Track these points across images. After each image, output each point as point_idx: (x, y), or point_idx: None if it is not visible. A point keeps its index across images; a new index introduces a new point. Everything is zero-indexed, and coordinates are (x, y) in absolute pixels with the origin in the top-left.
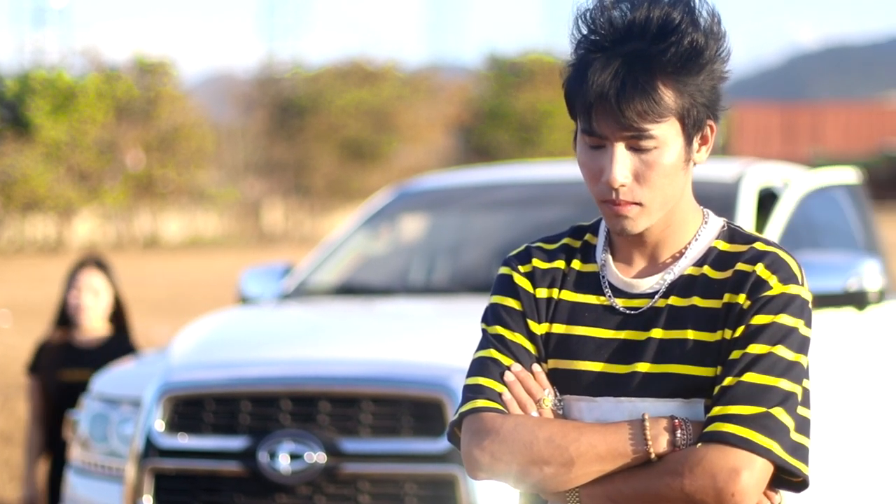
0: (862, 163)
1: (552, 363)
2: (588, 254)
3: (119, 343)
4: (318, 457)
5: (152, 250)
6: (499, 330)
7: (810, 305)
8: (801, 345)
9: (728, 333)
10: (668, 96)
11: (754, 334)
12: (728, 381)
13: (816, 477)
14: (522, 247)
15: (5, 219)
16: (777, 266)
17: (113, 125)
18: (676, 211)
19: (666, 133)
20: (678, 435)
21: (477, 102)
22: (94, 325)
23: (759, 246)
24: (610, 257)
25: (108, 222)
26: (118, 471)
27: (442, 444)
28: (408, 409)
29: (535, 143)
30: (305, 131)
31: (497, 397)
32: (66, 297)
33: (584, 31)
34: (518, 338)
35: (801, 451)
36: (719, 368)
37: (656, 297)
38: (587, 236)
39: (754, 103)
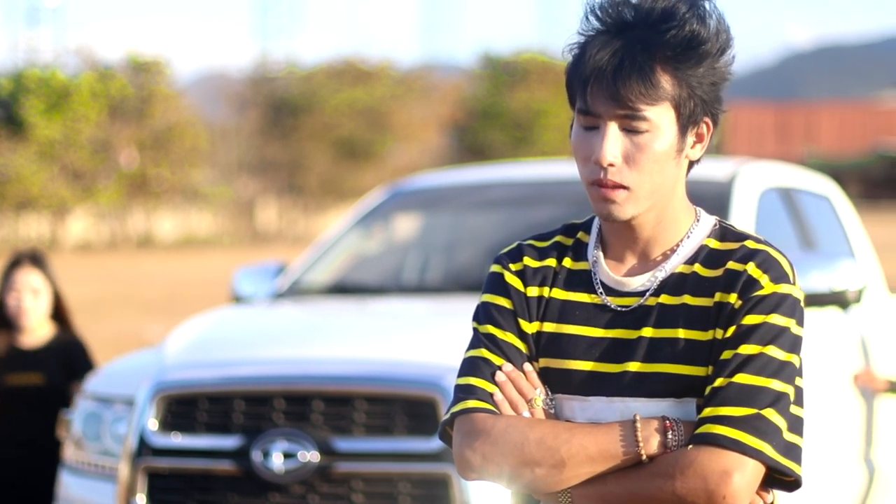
0: (856, 162)
1: (543, 362)
2: (580, 252)
3: (65, 342)
4: (311, 456)
5: (146, 249)
6: (490, 329)
7: (802, 304)
8: (793, 344)
9: (719, 333)
10: (665, 80)
11: (745, 334)
12: (719, 381)
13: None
14: (514, 244)
15: None
16: (768, 265)
17: (107, 124)
18: (668, 207)
19: (659, 118)
20: (669, 436)
21: (471, 102)
22: (37, 325)
23: (749, 244)
24: (601, 255)
25: (101, 221)
26: (111, 470)
27: (435, 444)
28: (401, 408)
29: (529, 142)
30: (299, 130)
31: (488, 397)
32: (5, 299)
33: (592, 23)
34: (509, 337)
35: (793, 451)
36: (711, 368)
37: (647, 295)
38: (579, 234)
39: (748, 103)
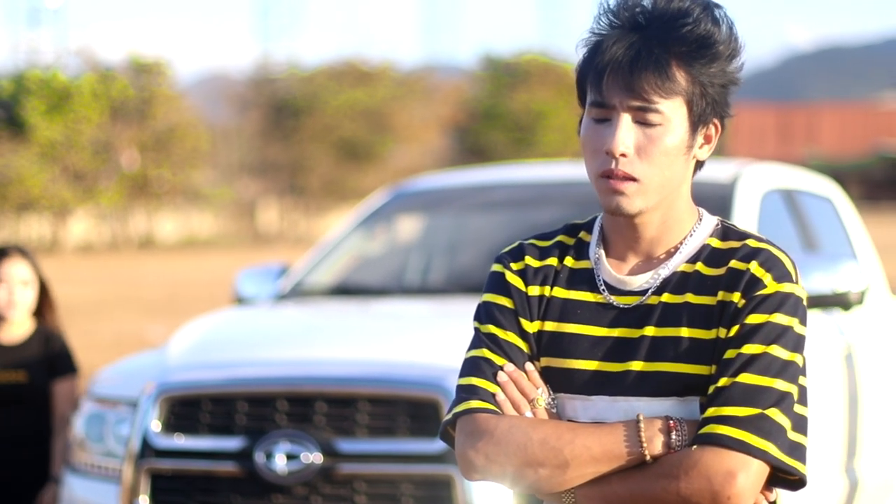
0: (857, 163)
1: (545, 361)
2: (581, 251)
3: (48, 338)
4: (314, 457)
5: (147, 250)
6: (491, 329)
7: (805, 302)
8: (797, 343)
9: (723, 332)
10: (680, 76)
11: (749, 334)
12: (723, 381)
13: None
14: (515, 243)
15: (0, 219)
16: (771, 264)
17: (108, 125)
18: (673, 208)
19: (672, 112)
20: (673, 437)
21: (472, 103)
22: (22, 319)
23: (751, 243)
24: (603, 254)
25: (103, 222)
26: (114, 471)
27: (438, 445)
28: (404, 410)
29: (531, 143)
30: (300, 132)
31: (490, 398)
32: None
33: (605, 22)
34: (511, 336)
35: (798, 451)
36: (714, 367)
37: (648, 293)
38: (581, 234)
39: (749, 104)
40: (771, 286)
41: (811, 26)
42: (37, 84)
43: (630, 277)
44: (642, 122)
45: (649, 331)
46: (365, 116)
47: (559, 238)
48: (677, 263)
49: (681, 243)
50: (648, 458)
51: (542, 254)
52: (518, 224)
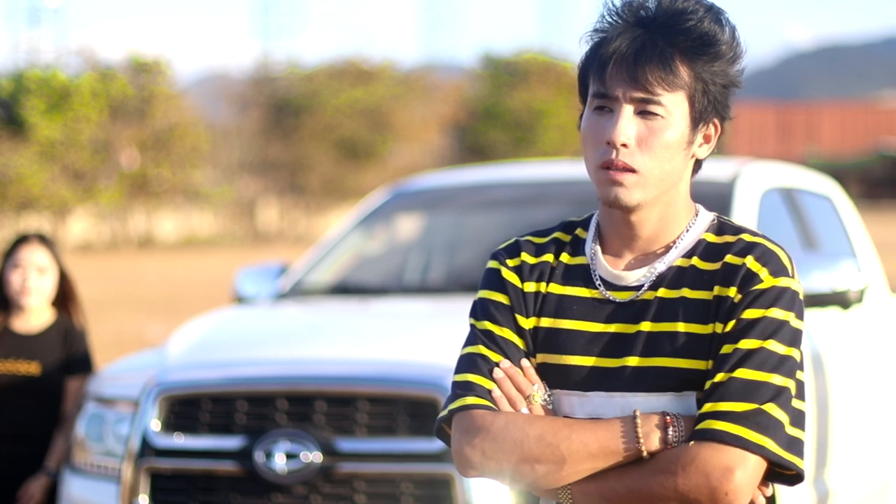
0: (857, 162)
1: (541, 357)
2: (577, 247)
3: (66, 331)
4: (314, 456)
5: (147, 249)
6: (487, 325)
7: (801, 297)
8: (793, 338)
9: (719, 327)
10: (683, 70)
11: (745, 329)
12: (720, 377)
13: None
14: (511, 240)
15: (0, 218)
16: (767, 258)
17: (108, 124)
18: (671, 205)
19: (674, 106)
20: (670, 432)
21: (472, 102)
22: (38, 308)
23: (746, 237)
24: (599, 249)
25: (102, 221)
26: (114, 471)
27: (438, 444)
28: (403, 409)
29: (530, 142)
30: (300, 130)
31: (486, 394)
32: (6, 276)
33: (610, 20)
34: (506, 333)
35: (796, 445)
36: (710, 362)
37: (644, 288)
38: (577, 231)
39: (749, 103)
40: (767, 281)
41: (811, 25)
42: (36, 83)
43: (626, 273)
44: (644, 115)
45: (645, 326)
46: (365, 115)
47: (555, 235)
48: (673, 258)
49: (676, 239)
50: (645, 454)
51: (538, 250)
52: (518, 223)
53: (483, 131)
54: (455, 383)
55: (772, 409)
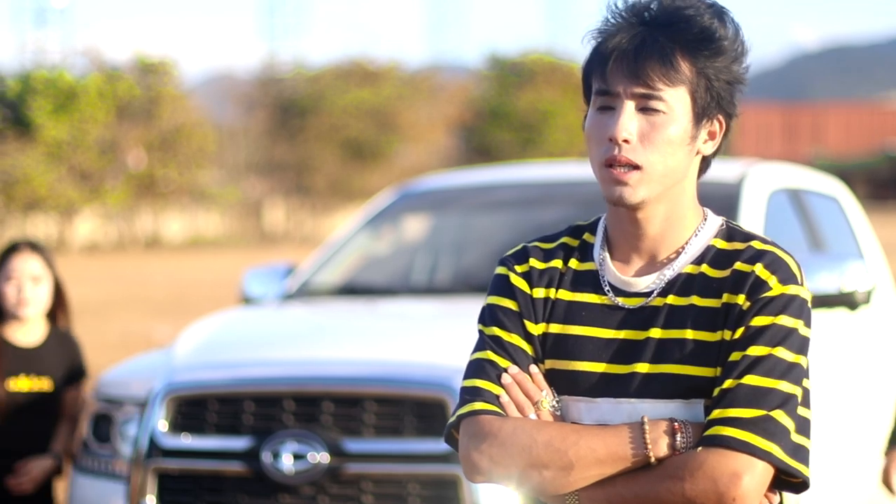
0: (863, 163)
1: (549, 363)
2: (586, 252)
3: (65, 342)
4: (321, 457)
5: (154, 250)
6: (495, 331)
7: (809, 304)
8: (801, 345)
9: (728, 334)
10: (684, 65)
11: (754, 336)
12: (728, 383)
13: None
14: (519, 246)
15: (7, 218)
16: (776, 266)
17: (114, 125)
18: (677, 204)
19: (675, 102)
20: (678, 438)
21: (478, 102)
22: (36, 319)
23: (756, 244)
24: (608, 255)
25: (109, 222)
26: (121, 471)
27: (445, 445)
28: (411, 410)
29: (537, 143)
30: (307, 131)
31: (495, 400)
32: (1, 288)
33: (612, 21)
34: (515, 339)
35: (801, 453)
36: (719, 369)
37: (653, 295)
38: (585, 235)
39: (755, 103)
40: (776, 288)
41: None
42: (43, 84)
43: (635, 279)
44: (646, 111)
45: (655, 333)
46: (371, 116)
47: (563, 240)
48: (682, 265)
49: (686, 244)
50: (653, 459)
51: (547, 256)
52: (524, 224)
53: (489, 132)
54: (463, 389)
55: (779, 415)
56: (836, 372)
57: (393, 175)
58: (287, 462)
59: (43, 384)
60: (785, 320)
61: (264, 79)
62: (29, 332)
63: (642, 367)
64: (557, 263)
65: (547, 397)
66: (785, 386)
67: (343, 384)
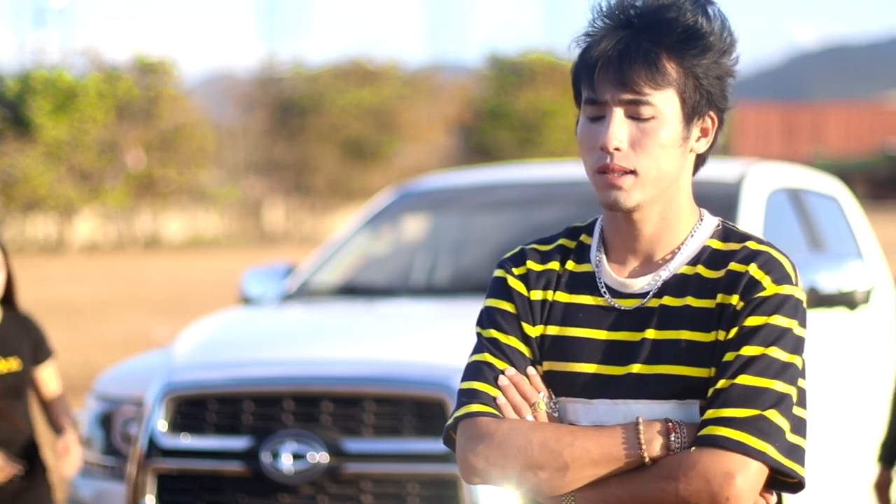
0: (862, 162)
1: (547, 365)
2: (582, 254)
3: (24, 322)
4: (320, 457)
5: (153, 250)
6: (493, 333)
7: (804, 305)
8: (796, 345)
9: (721, 334)
10: (670, 67)
11: (748, 336)
12: (722, 383)
13: (811, 475)
14: (517, 248)
15: (6, 218)
16: (770, 266)
17: (114, 125)
18: (672, 204)
19: (664, 104)
20: (672, 438)
21: (478, 102)
22: None
23: (751, 245)
24: (604, 257)
25: (108, 222)
26: (120, 471)
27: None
28: (410, 409)
29: (536, 142)
30: (306, 131)
31: (492, 401)
32: None
33: (598, 24)
34: (512, 341)
35: (796, 453)
36: (713, 370)
37: (649, 296)
38: (582, 237)
39: (755, 103)
40: (770, 288)
41: (817, 25)
42: (42, 84)
43: (631, 280)
44: (635, 117)
45: (650, 333)
46: (371, 116)
47: (560, 242)
48: (678, 265)
49: (681, 245)
50: (647, 460)
51: (544, 258)
52: (524, 224)
53: (489, 132)
54: (461, 391)
55: (773, 415)
56: (835, 371)
57: (392, 175)
58: (286, 462)
59: (11, 365)
60: (779, 320)
61: (264, 79)
62: None
63: (638, 368)
64: (554, 265)
65: (544, 399)
66: (779, 386)
67: (342, 384)
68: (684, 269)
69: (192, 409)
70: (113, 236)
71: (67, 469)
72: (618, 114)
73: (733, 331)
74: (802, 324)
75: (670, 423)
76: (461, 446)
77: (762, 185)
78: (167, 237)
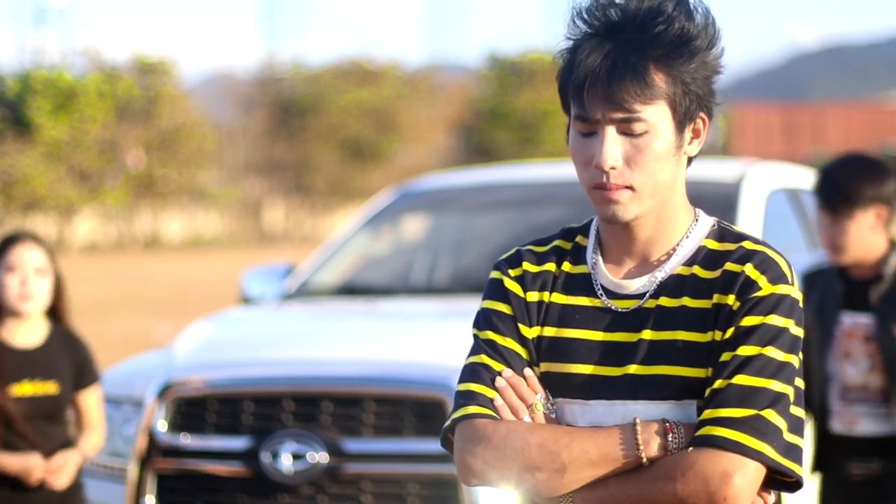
0: None
1: (544, 366)
2: (578, 255)
3: (70, 342)
4: (320, 457)
5: (153, 250)
6: (490, 335)
7: (800, 304)
8: (792, 345)
9: (718, 335)
10: (659, 79)
11: (744, 336)
12: (718, 383)
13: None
14: (513, 250)
15: (6, 218)
16: (766, 266)
17: (114, 125)
18: (668, 206)
19: (656, 118)
20: (670, 439)
21: (477, 102)
22: (35, 316)
23: (747, 245)
24: (600, 258)
25: (108, 222)
26: (121, 471)
27: None
28: (410, 409)
29: (536, 142)
30: (306, 131)
31: (489, 403)
32: (1, 280)
33: (580, 26)
34: (509, 342)
35: (794, 452)
36: (710, 370)
37: (646, 297)
38: (578, 238)
39: (755, 103)
40: (766, 288)
41: (817, 25)
42: (42, 84)
43: (627, 281)
44: (627, 133)
45: (647, 334)
46: (370, 116)
47: (556, 243)
48: (674, 266)
49: (677, 245)
50: (645, 460)
51: (540, 259)
52: (523, 224)
53: (489, 132)
54: (458, 393)
55: (770, 415)
56: None
57: (392, 175)
58: (286, 462)
59: (48, 388)
60: (775, 319)
61: (264, 78)
62: (28, 332)
63: (635, 369)
64: (551, 267)
65: (541, 400)
66: (776, 385)
67: (342, 384)
68: (680, 270)
69: (192, 409)
70: (113, 236)
71: (53, 481)
72: (610, 132)
73: (730, 331)
74: (799, 323)
75: (668, 424)
76: (459, 448)
77: (761, 185)
78: (167, 237)
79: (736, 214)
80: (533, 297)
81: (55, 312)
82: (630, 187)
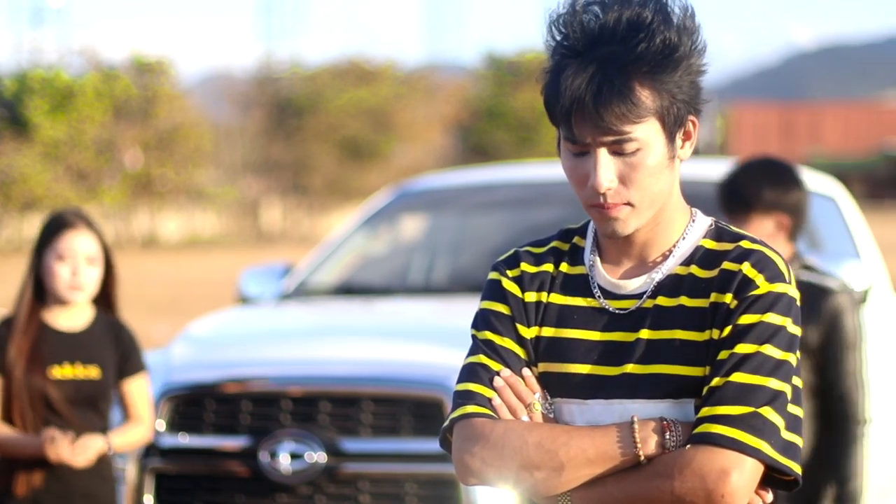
0: (860, 162)
1: (542, 366)
2: (576, 256)
3: (115, 328)
4: (318, 456)
5: (151, 249)
6: (488, 335)
7: (798, 303)
8: (790, 343)
9: (715, 333)
10: (645, 96)
11: (741, 334)
12: (716, 381)
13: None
14: (511, 251)
15: (3, 218)
16: (763, 264)
17: (111, 124)
18: (665, 209)
19: (647, 134)
20: (667, 437)
21: (475, 102)
22: (82, 304)
23: (745, 244)
24: (598, 259)
25: (106, 221)
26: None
27: None
28: (408, 409)
29: (534, 142)
30: (303, 130)
31: (487, 403)
32: (50, 266)
33: (558, 38)
34: (507, 342)
35: (791, 450)
36: (708, 369)
37: (644, 297)
38: (575, 239)
39: (752, 103)
40: (763, 286)
41: (814, 25)
42: (40, 83)
43: (624, 281)
44: (620, 153)
45: (644, 334)
46: (368, 115)
47: (554, 244)
48: (671, 266)
49: (674, 245)
50: (643, 458)
51: (538, 260)
52: (521, 223)
53: (486, 131)
54: (456, 393)
55: (767, 412)
56: None
57: (390, 174)
58: (284, 462)
59: (90, 372)
60: (772, 318)
61: (261, 78)
62: (73, 317)
63: (632, 368)
64: (548, 267)
65: (539, 400)
66: (773, 383)
67: (340, 384)
68: (678, 270)
69: (190, 409)
70: (110, 236)
71: (69, 456)
72: (602, 154)
73: (727, 329)
74: (796, 322)
75: (665, 422)
76: (457, 448)
77: None
78: (164, 237)
79: None
80: (531, 297)
81: (105, 301)
82: (628, 203)
